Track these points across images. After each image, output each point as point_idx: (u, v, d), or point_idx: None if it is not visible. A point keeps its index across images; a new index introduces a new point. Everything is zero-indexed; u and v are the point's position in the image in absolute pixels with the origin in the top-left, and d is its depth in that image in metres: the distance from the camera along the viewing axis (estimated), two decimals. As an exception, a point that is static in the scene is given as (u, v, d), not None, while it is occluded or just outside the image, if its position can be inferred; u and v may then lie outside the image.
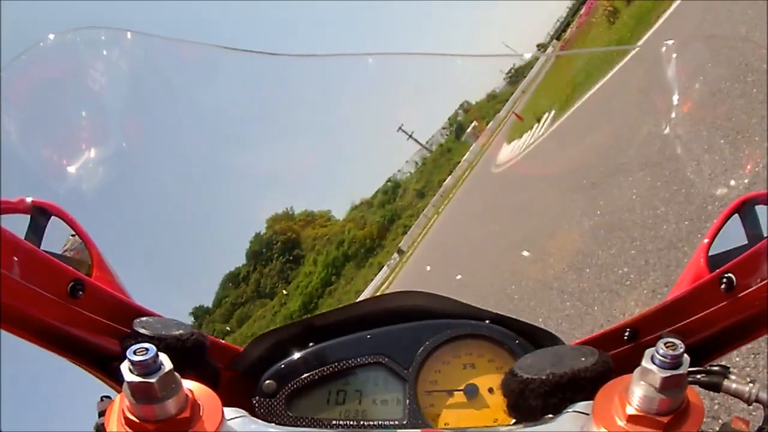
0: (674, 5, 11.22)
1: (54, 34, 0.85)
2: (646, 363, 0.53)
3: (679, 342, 0.52)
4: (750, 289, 0.70)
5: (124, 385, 0.53)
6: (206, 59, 0.99)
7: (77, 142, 0.91)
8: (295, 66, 0.98)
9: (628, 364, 0.58)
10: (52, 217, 0.87)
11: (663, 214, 4.76)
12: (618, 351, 0.81)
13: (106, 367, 0.74)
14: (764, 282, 0.68)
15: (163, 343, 0.71)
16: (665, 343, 0.52)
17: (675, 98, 0.99)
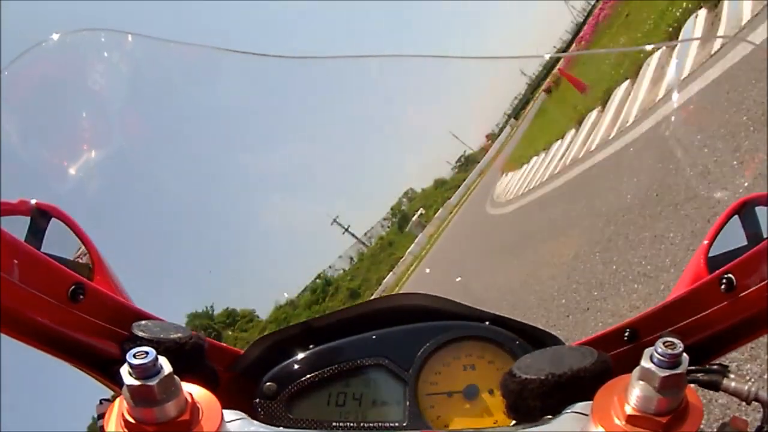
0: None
1: (55, 36, 0.85)
2: (645, 362, 0.53)
3: (678, 341, 0.52)
4: (750, 290, 0.70)
5: (124, 389, 0.53)
6: (206, 61, 0.99)
7: (78, 144, 0.92)
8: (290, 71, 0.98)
9: (628, 364, 0.58)
10: (53, 219, 0.87)
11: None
12: (618, 351, 0.81)
13: (106, 370, 0.74)
14: (764, 282, 0.68)
15: (162, 347, 0.71)
16: (664, 343, 0.52)
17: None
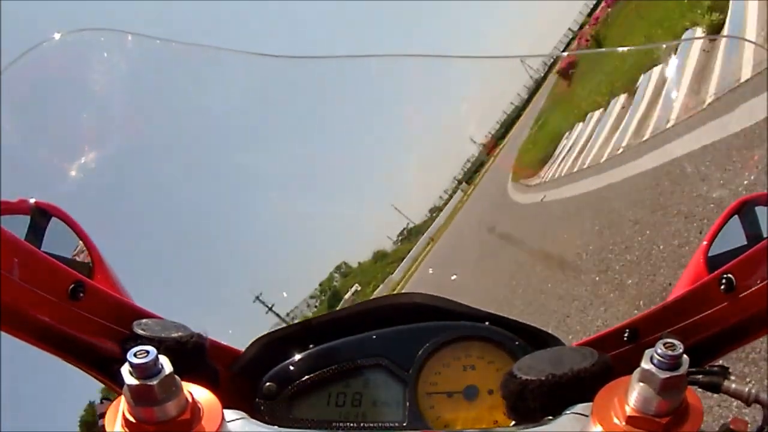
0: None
1: (55, 35, 0.85)
2: (645, 364, 0.53)
3: (679, 343, 0.52)
4: (750, 290, 0.70)
5: (125, 388, 0.53)
6: (206, 61, 0.99)
7: (78, 143, 0.92)
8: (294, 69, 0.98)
9: (628, 364, 0.58)
10: (53, 218, 0.87)
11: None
12: (618, 352, 0.81)
13: (106, 369, 0.74)
14: (764, 282, 0.68)
15: (162, 346, 0.71)
16: (664, 344, 0.52)
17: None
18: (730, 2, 7.99)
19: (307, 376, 0.88)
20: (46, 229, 0.85)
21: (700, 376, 0.71)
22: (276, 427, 0.63)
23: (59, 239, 0.86)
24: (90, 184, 0.92)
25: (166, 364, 0.54)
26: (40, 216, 0.85)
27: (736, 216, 0.90)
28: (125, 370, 0.53)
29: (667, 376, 0.52)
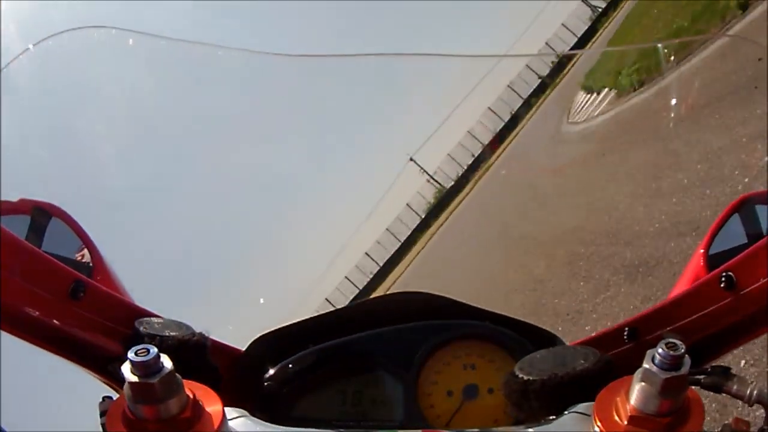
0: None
1: (55, 34, 0.85)
2: (647, 364, 0.53)
3: (680, 343, 0.52)
4: (750, 288, 0.70)
5: (125, 386, 0.53)
6: (207, 59, 0.99)
7: (78, 143, 0.92)
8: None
9: (629, 363, 0.58)
10: (53, 218, 0.87)
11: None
12: (618, 351, 0.81)
13: (106, 368, 0.74)
14: (765, 280, 0.68)
15: (164, 344, 0.71)
16: (666, 344, 0.52)
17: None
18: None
19: (307, 375, 0.88)
20: (47, 228, 0.85)
21: (702, 377, 0.71)
22: (276, 425, 0.63)
23: (60, 239, 0.86)
24: (90, 184, 0.92)
25: (167, 362, 0.54)
26: (41, 216, 0.85)
27: (737, 214, 0.90)
28: (126, 367, 0.53)
29: (669, 376, 0.51)
